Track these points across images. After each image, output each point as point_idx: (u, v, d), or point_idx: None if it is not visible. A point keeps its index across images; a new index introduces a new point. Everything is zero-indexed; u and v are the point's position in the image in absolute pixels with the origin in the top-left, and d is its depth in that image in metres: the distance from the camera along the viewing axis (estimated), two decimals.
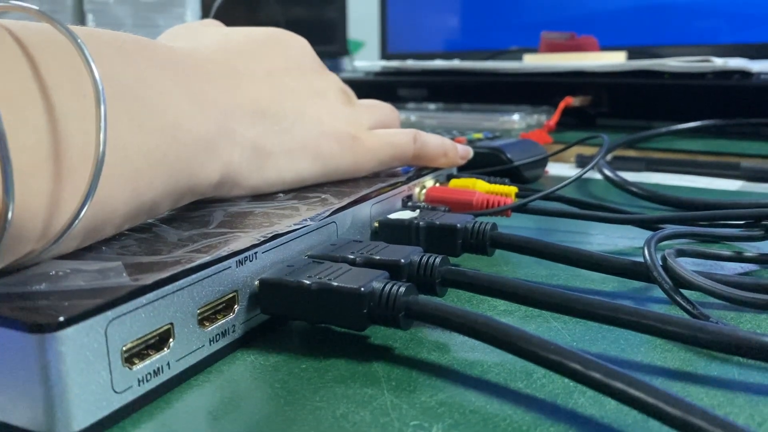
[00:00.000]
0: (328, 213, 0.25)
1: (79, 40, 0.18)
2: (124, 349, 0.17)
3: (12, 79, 0.17)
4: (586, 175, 0.39)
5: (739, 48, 0.79)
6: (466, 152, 0.37)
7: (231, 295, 0.21)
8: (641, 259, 0.25)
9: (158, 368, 0.18)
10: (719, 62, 0.66)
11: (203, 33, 0.30)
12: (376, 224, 0.29)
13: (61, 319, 0.15)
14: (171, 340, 0.18)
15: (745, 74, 0.66)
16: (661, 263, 0.24)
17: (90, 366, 0.16)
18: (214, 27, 0.31)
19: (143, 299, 0.17)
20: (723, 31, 0.82)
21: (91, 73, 0.18)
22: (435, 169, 0.35)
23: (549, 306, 0.21)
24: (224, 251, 0.20)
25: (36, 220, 0.17)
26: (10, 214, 0.16)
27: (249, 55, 0.28)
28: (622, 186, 0.42)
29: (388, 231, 0.28)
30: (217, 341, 0.20)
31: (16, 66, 0.17)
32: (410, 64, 0.91)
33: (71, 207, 0.18)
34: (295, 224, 0.23)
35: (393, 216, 0.29)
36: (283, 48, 0.31)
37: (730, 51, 0.77)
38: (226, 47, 0.28)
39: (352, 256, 0.23)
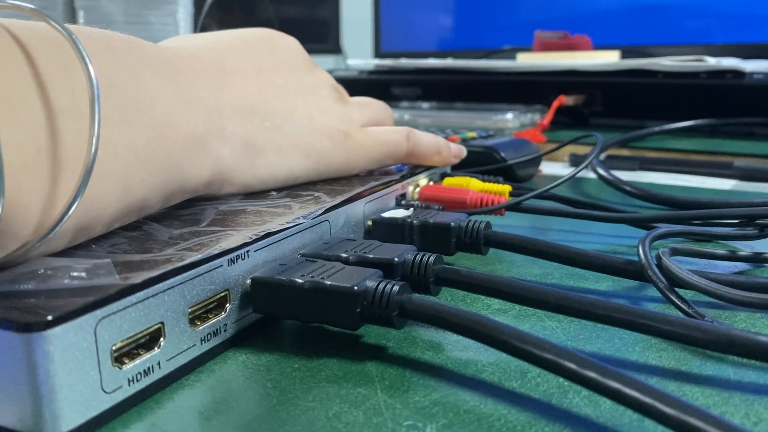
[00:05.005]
0: (321, 211, 0.25)
1: (74, 36, 0.18)
2: (113, 348, 0.17)
3: (3, 75, 0.17)
4: (580, 174, 0.39)
5: (732, 48, 0.79)
6: (459, 151, 0.37)
7: (222, 294, 0.20)
8: (636, 258, 0.24)
9: (148, 368, 0.18)
10: (712, 62, 0.67)
11: (193, 35, 0.30)
12: (370, 223, 0.28)
13: (50, 318, 0.15)
14: (161, 339, 0.18)
15: (737, 74, 0.66)
16: (655, 262, 0.24)
17: (79, 366, 0.16)
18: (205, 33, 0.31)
19: (133, 298, 0.17)
20: (716, 30, 0.82)
21: (86, 71, 0.18)
22: (428, 168, 0.35)
23: (543, 305, 0.21)
24: (216, 249, 0.20)
25: (27, 216, 0.17)
26: (0, 210, 0.15)
27: (238, 54, 0.28)
28: (616, 185, 0.42)
29: (382, 229, 0.28)
30: (208, 340, 0.20)
31: (7, 62, 0.17)
32: (404, 62, 0.91)
33: (62, 204, 0.17)
34: (287, 222, 0.23)
35: (386, 214, 0.29)
36: (273, 46, 0.30)
37: (723, 51, 0.77)
38: (214, 46, 0.28)
39: (345, 255, 0.23)
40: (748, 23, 0.80)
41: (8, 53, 0.17)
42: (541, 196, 0.34)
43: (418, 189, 0.33)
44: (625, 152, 0.60)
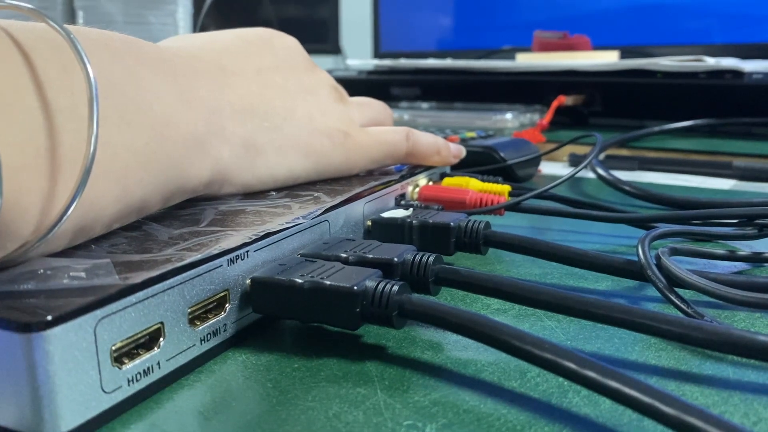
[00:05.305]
0: (320, 211, 0.25)
1: (72, 37, 0.18)
2: (113, 348, 0.17)
3: (1, 75, 0.17)
4: (579, 174, 0.39)
5: (731, 48, 0.79)
6: (458, 151, 0.37)
7: (222, 294, 0.20)
8: (635, 258, 0.24)
9: (148, 368, 0.18)
10: (711, 62, 0.67)
11: (193, 35, 0.30)
12: (369, 223, 0.28)
13: (49, 318, 0.15)
14: (161, 339, 0.18)
15: (737, 74, 0.66)
16: (655, 262, 0.24)
17: (78, 366, 0.16)
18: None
19: (133, 298, 0.17)
20: (715, 31, 0.82)
21: (85, 71, 0.18)
22: (428, 168, 0.35)
23: (543, 305, 0.21)
24: (215, 249, 0.20)
25: (26, 216, 0.17)
26: None
27: (238, 53, 0.28)
28: (615, 185, 0.42)
29: (381, 229, 0.28)
30: (208, 340, 0.20)
31: (6, 62, 0.17)
32: (403, 62, 0.91)
33: (61, 204, 0.17)
34: (287, 222, 0.23)
35: (386, 214, 0.29)
36: (273, 46, 0.30)
37: (722, 51, 0.77)
38: (214, 46, 0.28)
39: (344, 255, 0.23)
40: (747, 23, 0.80)
41: (7, 54, 0.17)
42: (541, 196, 0.34)
43: (417, 189, 0.33)
44: (624, 152, 0.60)
